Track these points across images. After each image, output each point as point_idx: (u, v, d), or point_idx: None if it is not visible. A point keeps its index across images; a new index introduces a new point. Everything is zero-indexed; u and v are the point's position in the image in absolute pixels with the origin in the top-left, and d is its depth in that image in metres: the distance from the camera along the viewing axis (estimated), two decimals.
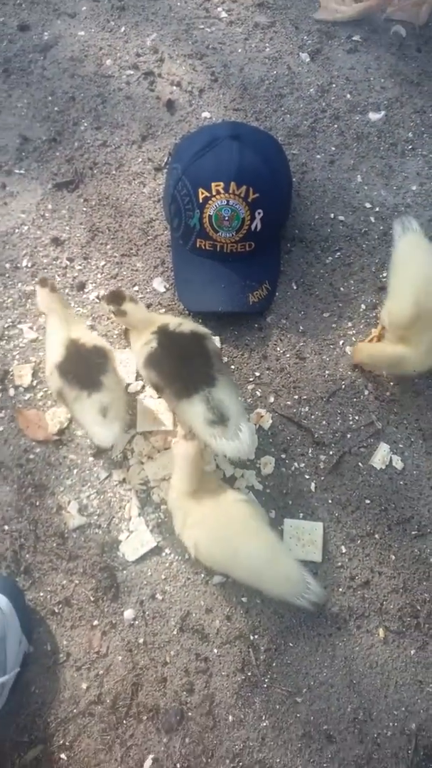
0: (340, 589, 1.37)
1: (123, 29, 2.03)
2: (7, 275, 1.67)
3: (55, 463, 1.48)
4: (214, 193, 1.52)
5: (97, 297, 1.64)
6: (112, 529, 1.43)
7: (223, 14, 2.07)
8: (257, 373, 1.56)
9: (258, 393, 1.54)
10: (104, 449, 1.47)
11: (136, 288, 1.64)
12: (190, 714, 1.29)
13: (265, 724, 1.29)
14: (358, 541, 1.42)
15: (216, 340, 1.56)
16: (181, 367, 1.33)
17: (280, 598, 1.31)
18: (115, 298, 1.41)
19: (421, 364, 1.42)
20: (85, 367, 1.34)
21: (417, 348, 1.41)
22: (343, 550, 1.41)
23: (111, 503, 1.45)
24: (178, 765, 1.27)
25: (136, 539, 1.42)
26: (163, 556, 1.41)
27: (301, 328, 1.61)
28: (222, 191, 1.51)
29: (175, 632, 1.35)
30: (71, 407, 1.36)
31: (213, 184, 1.51)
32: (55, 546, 1.41)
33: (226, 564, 1.30)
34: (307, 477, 1.46)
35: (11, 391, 1.54)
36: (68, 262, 1.67)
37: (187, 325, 1.39)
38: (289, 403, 1.53)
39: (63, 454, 1.49)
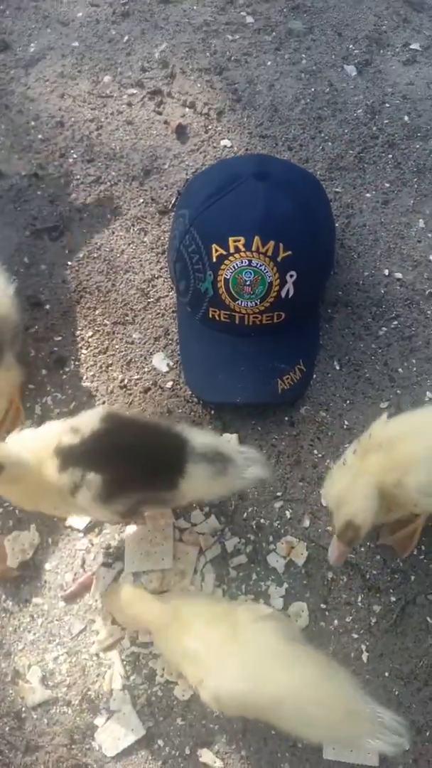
0: None
1: (126, 39, 1.90)
2: None
3: (14, 610, 1.28)
4: (232, 250, 1.34)
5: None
6: (86, 709, 1.21)
7: (249, 19, 1.94)
8: (287, 486, 1.35)
9: (288, 514, 1.33)
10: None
11: (130, 366, 1.41)
12: None
13: None
14: (427, 733, 1.15)
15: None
16: None
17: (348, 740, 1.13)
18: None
19: None
20: None
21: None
22: (407, 747, 1.10)
23: (86, 669, 1.23)
24: None
25: (117, 724, 1.19)
26: (155, 749, 1.17)
27: (347, 423, 1.41)
28: (242, 248, 1.33)
29: None
30: None
31: (231, 239, 1.33)
32: (8, 731, 1.19)
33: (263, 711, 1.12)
34: (355, 636, 1.23)
35: None
36: (45, 332, 1.51)
37: None
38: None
39: (24, 596, 1.29)
